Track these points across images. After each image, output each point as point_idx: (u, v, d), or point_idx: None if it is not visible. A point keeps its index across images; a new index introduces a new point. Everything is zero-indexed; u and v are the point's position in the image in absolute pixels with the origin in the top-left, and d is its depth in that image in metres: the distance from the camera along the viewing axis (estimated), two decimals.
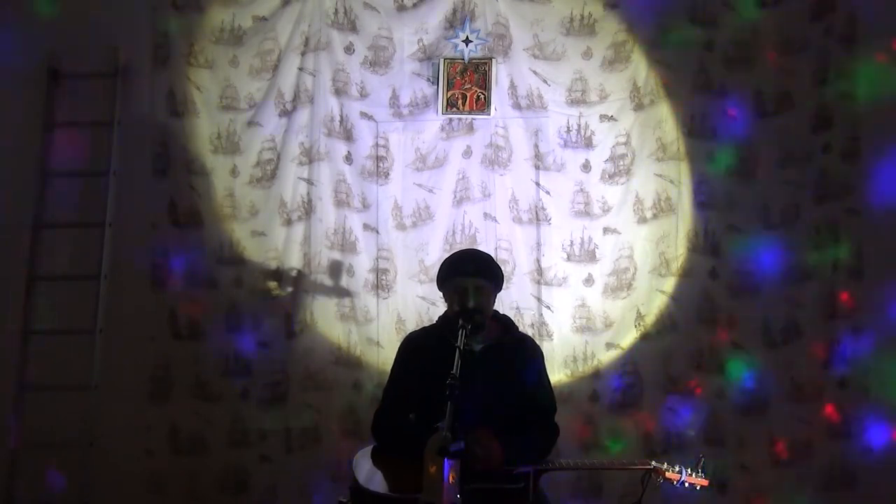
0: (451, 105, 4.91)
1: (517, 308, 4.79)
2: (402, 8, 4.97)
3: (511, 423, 3.59)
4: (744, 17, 4.85)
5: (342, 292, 4.89)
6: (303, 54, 4.95)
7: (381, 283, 4.88)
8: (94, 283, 4.78)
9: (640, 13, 4.89)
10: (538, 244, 4.87)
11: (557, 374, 4.73)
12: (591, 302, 4.85)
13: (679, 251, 4.86)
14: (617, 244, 4.88)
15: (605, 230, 4.87)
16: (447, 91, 4.90)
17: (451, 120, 4.93)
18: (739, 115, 4.85)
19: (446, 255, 4.08)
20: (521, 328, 4.32)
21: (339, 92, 4.95)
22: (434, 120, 4.94)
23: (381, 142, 4.94)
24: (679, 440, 4.73)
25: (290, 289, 4.91)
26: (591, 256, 4.87)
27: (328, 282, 4.89)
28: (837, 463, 4.66)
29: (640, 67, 4.90)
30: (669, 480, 3.52)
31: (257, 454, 4.82)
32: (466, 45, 4.90)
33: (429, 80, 4.95)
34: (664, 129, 4.89)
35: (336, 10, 4.96)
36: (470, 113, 4.91)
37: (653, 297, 4.85)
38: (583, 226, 4.88)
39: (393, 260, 4.91)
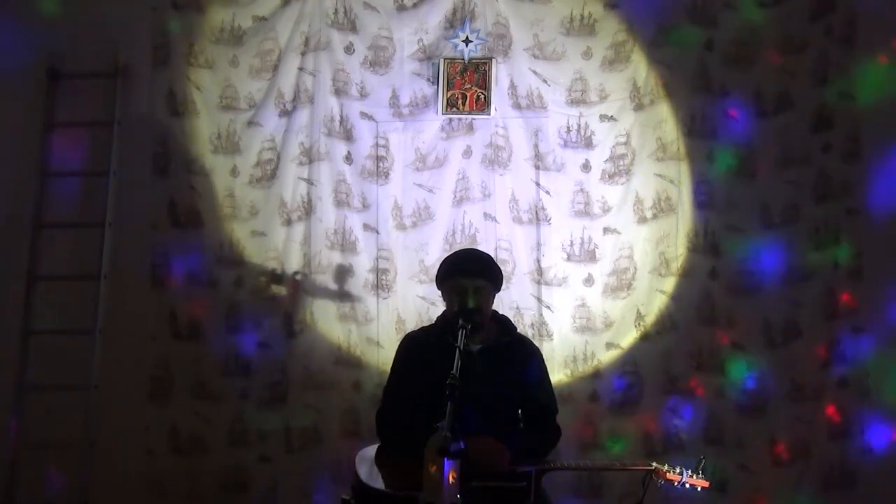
0: (451, 105, 4.91)
1: (517, 308, 4.80)
2: (402, 8, 4.97)
3: (510, 424, 3.60)
4: (744, 17, 4.85)
5: (343, 295, 4.89)
6: (303, 54, 4.95)
7: (381, 283, 4.88)
8: (94, 283, 4.77)
9: (640, 13, 4.89)
10: (538, 244, 4.87)
11: (557, 374, 4.73)
12: (591, 302, 4.85)
13: (679, 251, 4.86)
14: (617, 244, 4.88)
15: (605, 230, 4.87)
16: (447, 91, 4.90)
17: (451, 120, 4.93)
18: (739, 115, 4.85)
19: (446, 255, 4.08)
20: (521, 328, 4.33)
21: (339, 92, 4.95)
22: (434, 120, 4.94)
23: (381, 142, 4.94)
24: (679, 440, 4.74)
25: (290, 289, 4.90)
26: (591, 256, 4.87)
27: (329, 283, 4.89)
28: (837, 463, 4.66)
29: (640, 67, 4.90)
30: (670, 482, 3.52)
31: (257, 454, 4.82)
32: (466, 45, 4.89)
33: (429, 80, 4.95)
34: (664, 129, 4.89)
35: (336, 10, 4.96)
36: (470, 113, 4.91)
37: (653, 297, 4.85)
38: (583, 226, 4.88)
39: (393, 260, 4.90)
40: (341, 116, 4.95)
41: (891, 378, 4.63)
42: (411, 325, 4.73)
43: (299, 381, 4.84)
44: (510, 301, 4.77)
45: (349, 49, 4.96)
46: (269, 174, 4.95)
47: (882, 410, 4.64)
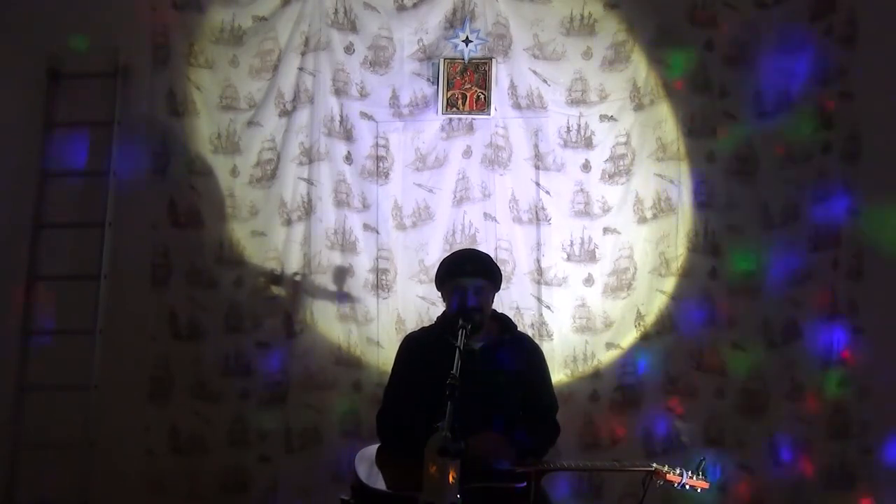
0: (451, 105, 4.91)
1: (517, 308, 4.79)
2: (402, 8, 4.97)
3: (512, 421, 3.60)
4: (744, 18, 4.85)
5: (343, 295, 4.88)
6: (303, 54, 4.95)
7: (381, 283, 4.88)
8: (94, 283, 4.78)
9: (640, 13, 4.89)
10: (538, 244, 4.87)
11: (557, 374, 4.72)
12: (591, 302, 4.85)
13: (679, 251, 4.85)
14: (617, 244, 4.88)
15: (605, 230, 4.87)
16: (447, 91, 4.90)
17: (451, 120, 4.93)
18: (739, 115, 4.84)
19: (445, 256, 4.08)
20: (521, 328, 4.32)
21: (339, 92, 4.95)
22: (434, 120, 4.94)
23: (381, 142, 4.94)
24: (679, 440, 4.74)
25: (290, 289, 4.90)
26: (591, 256, 4.87)
27: (329, 283, 4.89)
28: (837, 463, 4.65)
29: (640, 67, 4.90)
30: (670, 482, 3.52)
31: (257, 454, 4.82)
32: (466, 45, 4.89)
33: (429, 80, 4.95)
34: (664, 129, 4.89)
35: (336, 10, 4.96)
36: (470, 113, 4.91)
37: (653, 297, 4.84)
38: (583, 226, 4.87)
39: (393, 260, 4.90)
40: (341, 116, 4.95)
41: (891, 378, 4.62)
42: (411, 325, 4.73)
43: (299, 381, 4.84)
44: (510, 301, 4.77)
45: (349, 49, 4.96)
46: (269, 174, 4.96)
47: (883, 412, 4.62)
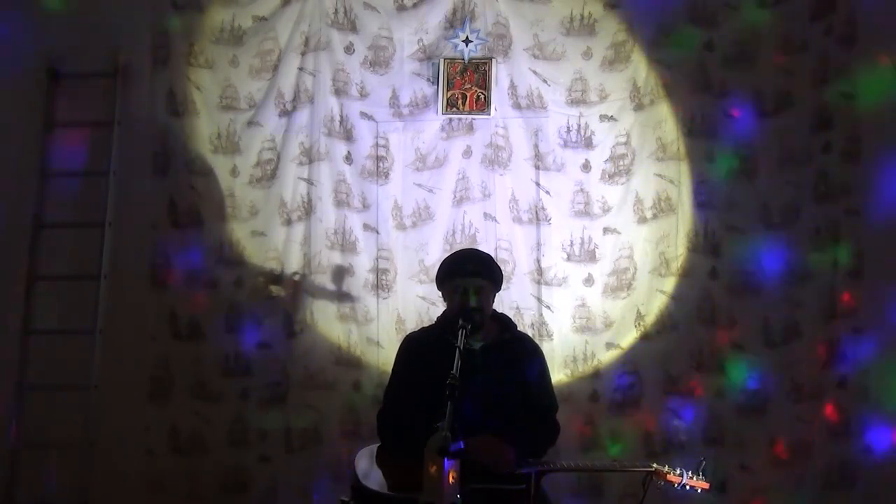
0: (451, 105, 4.91)
1: (517, 308, 4.80)
2: (402, 8, 4.97)
3: (511, 422, 3.60)
4: (744, 17, 4.85)
5: (343, 295, 4.89)
6: (303, 54, 4.96)
7: (381, 283, 4.88)
8: (94, 283, 4.77)
9: (640, 13, 4.89)
10: (538, 244, 4.88)
11: (557, 374, 4.73)
12: (591, 302, 4.85)
13: (679, 251, 4.86)
14: (617, 244, 4.88)
15: (605, 230, 4.88)
16: (447, 91, 4.91)
17: (451, 120, 4.93)
18: (740, 115, 4.85)
19: (446, 255, 4.08)
20: (521, 328, 4.33)
21: (339, 92, 4.95)
22: (434, 120, 4.94)
23: (381, 142, 4.94)
24: (679, 441, 4.74)
25: (290, 289, 4.90)
26: (591, 256, 4.87)
27: (329, 283, 4.89)
28: (837, 463, 4.65)
29: (640, 67, 4.90)
30: (670, 483, 3.52)
31: (257, 454, 4.82)
32: (466, 45, 4.90)
33: (429, 80, 4.95)
34: (664, 129, 4.90)
35: (336, 10, 4.96)
36: (470, 113, 4.91)
37: (653, 297, 4.85)
38: (583, 226, 4.88)
39: (393, 260, 4.91)
40: (341, 116, 4.95)
41: (891, 378, 4.62)
42: (411, 325, 4.73)
43: (299, 381, 4.84)
44: (510, 301, 4.77)
45: (349, 49, 4.96)
46: (269, 174, 4.96)
47: (883, 412, 4.62)
